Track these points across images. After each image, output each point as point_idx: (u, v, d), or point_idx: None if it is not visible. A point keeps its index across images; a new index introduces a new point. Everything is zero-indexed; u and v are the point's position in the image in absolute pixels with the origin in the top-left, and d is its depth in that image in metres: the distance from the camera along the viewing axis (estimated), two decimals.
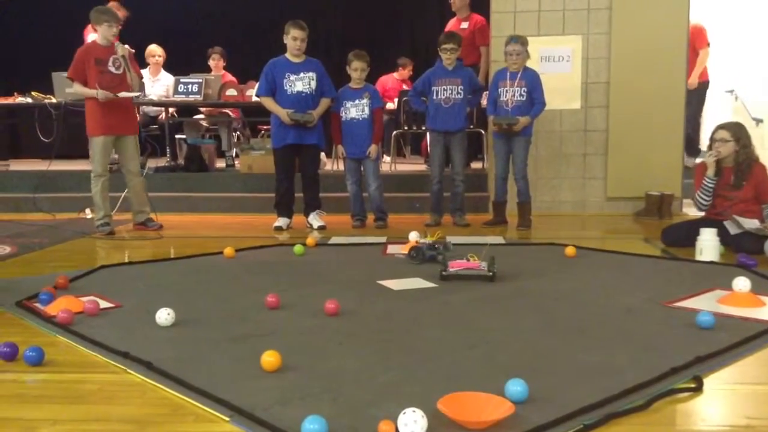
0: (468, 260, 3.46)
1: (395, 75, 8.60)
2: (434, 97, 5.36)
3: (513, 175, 5.33)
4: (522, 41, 5.16)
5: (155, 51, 7.61)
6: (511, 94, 5.19)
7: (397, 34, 9.95)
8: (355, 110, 5.38)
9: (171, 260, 4.12)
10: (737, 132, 4.25)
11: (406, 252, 4.01)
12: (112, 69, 5.07)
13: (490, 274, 3.37)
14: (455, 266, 3.43)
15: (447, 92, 5.31)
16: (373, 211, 5.51)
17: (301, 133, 5.23)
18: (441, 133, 5.42)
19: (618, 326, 2.62)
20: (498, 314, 2.82)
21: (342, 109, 5.41)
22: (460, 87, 5.31)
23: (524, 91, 5.17)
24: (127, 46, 5.14)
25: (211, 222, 5.86)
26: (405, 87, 8.17)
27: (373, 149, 5.40)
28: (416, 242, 4.05)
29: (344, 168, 5.61)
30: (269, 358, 2.14)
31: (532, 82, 5.17)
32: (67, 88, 6.90)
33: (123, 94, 5.05)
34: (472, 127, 6.20)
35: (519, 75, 5.17)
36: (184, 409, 1.90)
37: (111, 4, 7.49)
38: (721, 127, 4.38)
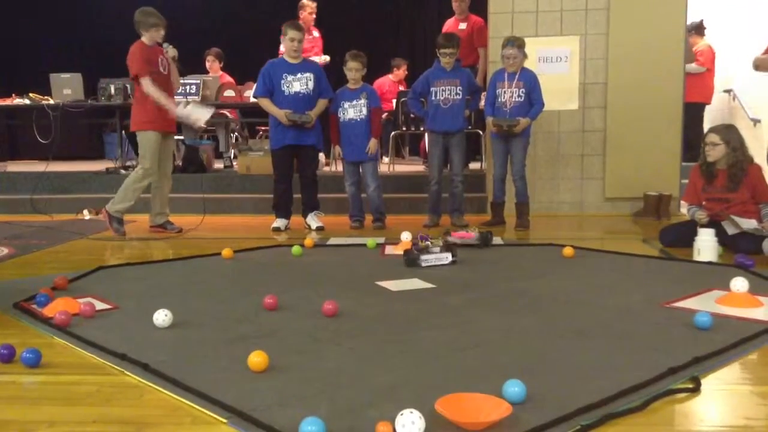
0: (466, 231, 4.27)
1: (390, 76, 8.59)
2: (433, 97, 5.36)
3: (511, 175, 5.33)
4: (518, 44, 5.16)
5: None
6: (510, 95, 5.19)
7: (395, 35, 9.95)
8: (353, 111, 5.38)
9: (169, 261, 4.12)
10: (726, 135, 4.24)
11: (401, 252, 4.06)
12: (161, 69, 5.07)
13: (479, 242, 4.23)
14: (456, 236, 4.17)
15: (446, 93, 5.31)
16: (371, 212, 5.51)
17: (300, 134, 5.23)
18: (440, 134, 5.42)
19: (616, 327, 2.62)
20: (496, 315, 2.82)
21: (340, 110, 5.41)
22: (458, 87, 5.31)
23: (523, 92, 5.17)
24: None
25: (209, 223, 5.86)
26: (402, 88, 8.17)
27: (372, 144, 5.40)
28: (411, 243, 4.10)
29: (342, 169, 5.62)
30: (256, 359, 2.14)
31: (531, 83, 5.17)
32: (65, 90, 6.93)
33: (198, 113, 5.14)
34: (470, 127, 6.20)
35: (517, 76, 5.18)
36: (181, 410, 1.90)
37: None
38: (711, 130, 4.40)
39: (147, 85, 4.95)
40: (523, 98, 5.18)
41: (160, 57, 5.07)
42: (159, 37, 5.04)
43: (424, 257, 3.82)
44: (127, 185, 5.06)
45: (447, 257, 3.87)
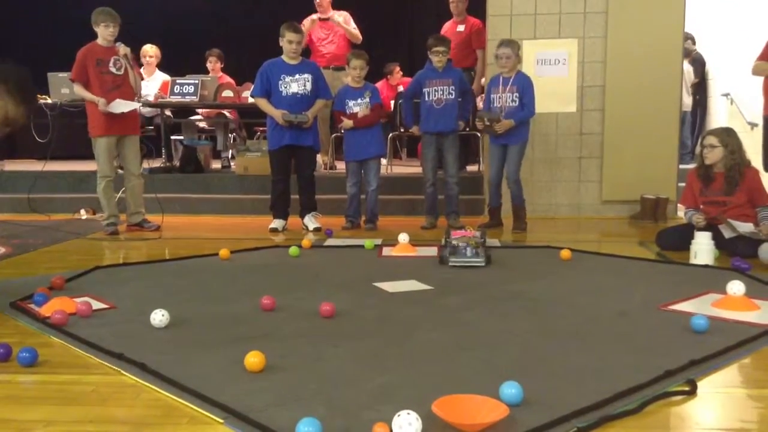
0: (466, 230, 4.03)
1: (388, 81, 8.57)
2: (426, 98, 5.36)
3: (506, 178, 5.33)
4: (513, 46, 5.16)
5: (148, 51, 7.59)
6: (504, 100, 5.19)
7: (394, 38, 9.95)
8: (358, 109, 5.39)
9: (166, 261, 4.12)
10: (724, 138, 4.26)
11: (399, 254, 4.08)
12: (113, 69, 5.06)
13: (482, 240, 3.94)
14: (456, 234, 3.94)
15: (438, 93, 5.31)
16: (365, 213, 5.51)
17: (298, 134, 5.23)
18: (433, 135, 5.41)
19: (612, 329, 2.63)
20: (493, 317, 2.83)
21: (345, 108, 5.42)
22: (451, 87, 5.31)
23: (516, 96, 5.16)
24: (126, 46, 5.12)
25: (206, 223, 5.86)
26: (402, 88, 8.17)
27: (361, 112, 5.35)
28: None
29: (345, 170, 5.62)
30: (253, 359, 2.14)
31: (524, 87, 5.15)
32: (63, 89, 6.93)
33: (119, 107, 4.99)
34: (467, 129, 6.21)
35: (511, 80, 5.17)
36: (178, 410, 1.90)
37: None
38: (709, 133, 4.42)
39: (77, 89, 5.12)
40: (517, 103, 5.16)
41: (113, 57, 5.06)
42: (108, 34, 5.01)
43: (454, 259, 3.80)
44: (99, 195, 5.21)
45: (480, 261, 3.82)
